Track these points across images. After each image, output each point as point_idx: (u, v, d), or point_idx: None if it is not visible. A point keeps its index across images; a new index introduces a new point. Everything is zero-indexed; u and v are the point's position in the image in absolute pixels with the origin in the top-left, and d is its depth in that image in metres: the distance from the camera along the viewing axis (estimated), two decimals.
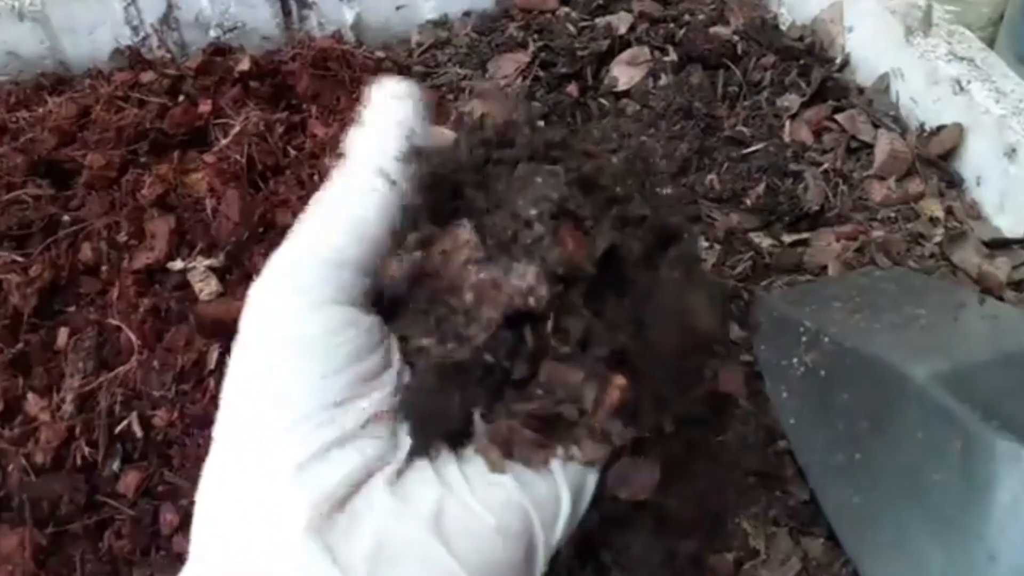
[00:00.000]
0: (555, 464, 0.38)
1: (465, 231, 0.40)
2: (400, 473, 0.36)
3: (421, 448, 0.37)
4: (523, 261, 0.37)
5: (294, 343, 0.35)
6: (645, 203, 0.42)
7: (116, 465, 0.62)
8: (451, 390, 0.38)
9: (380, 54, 0.97)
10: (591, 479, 0.40)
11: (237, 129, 0.81)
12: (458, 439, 0.38)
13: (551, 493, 0.38)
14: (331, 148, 0.80)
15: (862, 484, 0.55)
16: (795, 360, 0.63)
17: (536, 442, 0.38)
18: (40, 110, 0.87)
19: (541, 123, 0.45)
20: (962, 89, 0.80)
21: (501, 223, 0.39)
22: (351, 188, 0.39)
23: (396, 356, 0.38)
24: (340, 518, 0.33)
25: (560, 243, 0.38)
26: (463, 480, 0.37)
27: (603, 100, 0.93)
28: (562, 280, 0.38)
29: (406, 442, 0.37)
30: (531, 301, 0.37)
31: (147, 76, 0.89)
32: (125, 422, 0.63)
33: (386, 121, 0.40)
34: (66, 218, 0.74)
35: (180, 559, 0.60)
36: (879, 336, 0.60)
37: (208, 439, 0.62)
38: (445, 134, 0.44)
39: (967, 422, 0.50)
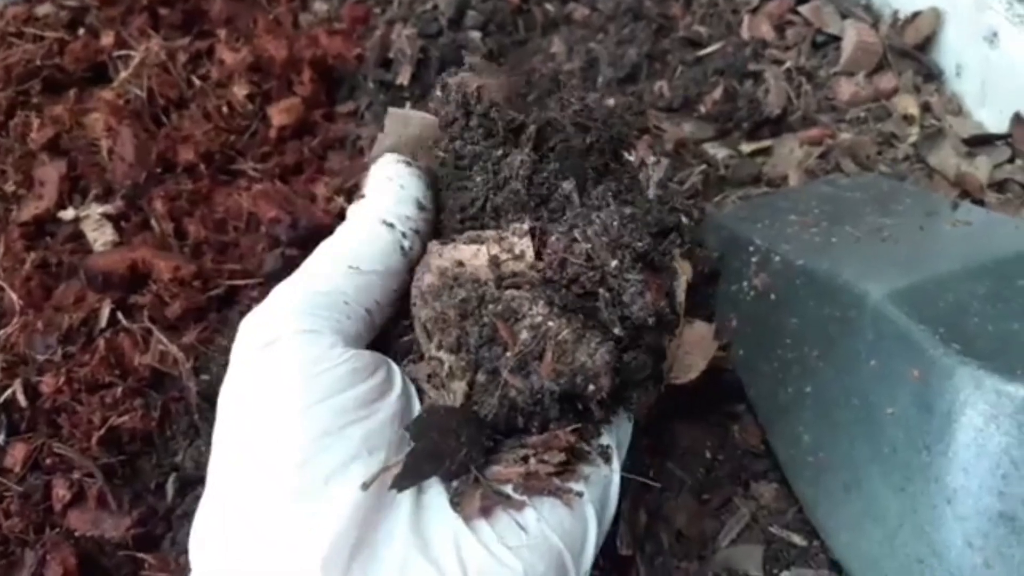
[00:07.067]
0: (576, 487, 0.37)
1: (526, 241, 0.37)
2: (413, 510, 0.35)
3: (408, 484, 0.34)
4: (595, 334, 0.35)
5: (277, 376, 0.35)
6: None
7: (1, 438, 0.56)
8: (460, 436, 0.36)
9: None
10: (613, 490, 0.39)
11: (136, 61, 0.73)
12: (454, 475, 0.36)
13: (578, 516, 0.37)
14: (240, 75, 0.73)
15: (812, 420, 0.49)
16: (744, 284, 0.56)
17: (553, 472, 0.37)
18: None
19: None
20: None
21: (574, 255, 0.36)
22: (349, 232, 0.40)
23: (398, 381, 0.38)
24: (355, 565, 0.32)
25: (647, 294, 0.36)
26: (485, 523, 0.35)
27: (548, 5, 0.84)
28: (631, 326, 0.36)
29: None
30: (591, 389, 0.35)
31: (43, 9, 0.81)
32: (9, 391, 0.57)
33: (383, 182, 0.42)
34: None
35: (73, 536, 0.56)
36: (834, 251, 0.53)
37: (100, 404, 0.57)
38: (426, 118, 0.44)
39: (925, 345, 0.43)
